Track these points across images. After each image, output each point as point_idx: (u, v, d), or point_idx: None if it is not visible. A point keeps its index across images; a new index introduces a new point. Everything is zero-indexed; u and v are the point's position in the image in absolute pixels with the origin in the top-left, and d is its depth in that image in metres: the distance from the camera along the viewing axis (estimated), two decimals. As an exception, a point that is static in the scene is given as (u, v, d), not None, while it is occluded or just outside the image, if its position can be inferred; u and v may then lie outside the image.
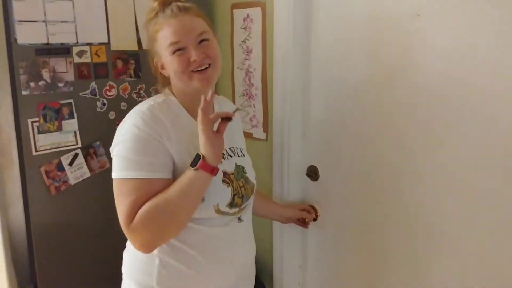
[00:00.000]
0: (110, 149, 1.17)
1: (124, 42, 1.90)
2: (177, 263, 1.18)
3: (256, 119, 2.02)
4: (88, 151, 1.88)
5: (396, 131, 1.47)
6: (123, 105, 1.95)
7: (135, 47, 1.93)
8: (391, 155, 1.49)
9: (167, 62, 1.22)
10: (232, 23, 2.06)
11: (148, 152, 1.10)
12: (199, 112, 1.08)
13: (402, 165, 1.46)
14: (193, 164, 1.09)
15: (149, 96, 2.00)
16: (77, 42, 1.80)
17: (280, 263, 1.97)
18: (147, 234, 1.08)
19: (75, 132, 1.84)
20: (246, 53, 2.02)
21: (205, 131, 1.08)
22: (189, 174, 1.09)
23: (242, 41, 2.03)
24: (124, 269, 1.32)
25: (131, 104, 1.95)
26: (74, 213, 1.89)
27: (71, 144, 1.84)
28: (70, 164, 1.84)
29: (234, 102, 2.13)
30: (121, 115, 1.93)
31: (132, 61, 1.94)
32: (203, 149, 1.10)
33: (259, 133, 2.02)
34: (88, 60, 1.83)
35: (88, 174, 1.89)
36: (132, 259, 1.26)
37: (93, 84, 1.86)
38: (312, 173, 1.83)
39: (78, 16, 1.78)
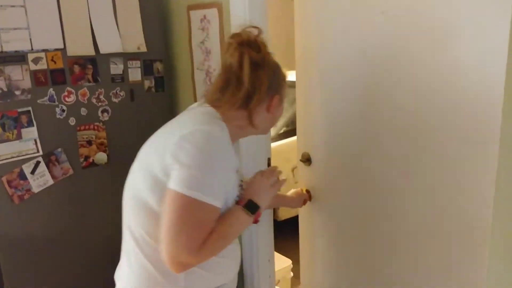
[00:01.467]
0: (184, 163, 1.04)
1: (80, 47, 1.89)
2: (198, 269, 1.16)
3: (218, 118, 2.05)
4: (50, 159, 1.85)
5: (389, 117, 1.49)
6: (83, 111, 1.93)
7: (91, 52, 1.92)
8: (384, 141, 1.52)
9: (272, 111, 1.22)
10: (189, 24, 2.08)
11: (224, 181, 1.09)
12: (274, 169, 1.29)
13: (395, 152, 1.50)
14: (252, 211, 1.16)
15: (109, 100, 1.99)
16: (32, 49, 1.77)
17: (250, 258, 2.01)
18: (202, 260, 1.10)
19: (35, 140, 1.81)
20: (205, 54, 2.05)
21: (275, 187, 1.26)
22: (244, 217, 1.15)
23: (201, 42, 2.05)
24: (136, 283, 1.19)
25: (91, 109, 1.94)
26: (39, 221, 1.86)
27: (32, 152, 1.81)
28: (32, 172, 1.82)
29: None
30: (81, 121, 1.92)
31: (90, 66, 1.92)
32: (264, 202, 1.21)
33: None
34: (45, 66, 1.81)
35: (51, 182, 1.87)
36: (149, 272, 1.16)
37: (51, 91, 1.84)
38: (305, 159, 1.88)
39: (31, 22, 1.75)
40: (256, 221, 1.19)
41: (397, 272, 1.58)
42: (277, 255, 2.43)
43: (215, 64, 2.00)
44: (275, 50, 1.26)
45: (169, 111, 2.22)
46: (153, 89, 2.15)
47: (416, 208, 1.44)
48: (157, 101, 2.17)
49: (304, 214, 1.99)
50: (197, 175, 1.03)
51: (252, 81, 1.13)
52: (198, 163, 1.03)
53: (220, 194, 1.07)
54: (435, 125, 1.33)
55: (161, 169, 1.07)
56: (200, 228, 1.04)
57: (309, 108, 1.79)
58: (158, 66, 2.15)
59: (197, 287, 1.18)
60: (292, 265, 2.64)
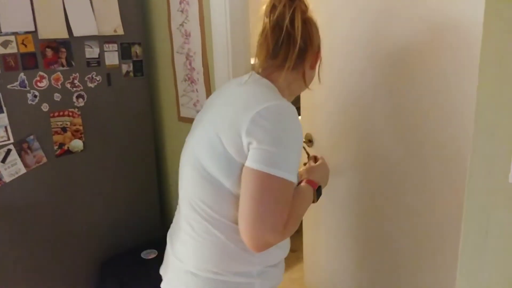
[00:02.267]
0: (262, 140, 0.99)
1: (52, 29, 1.79)
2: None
3: (200, 104, 1.98)
4: (21, 146, 1.78)
5: (390, 106, 1.47)
6: (57, 96, 1.85)
7: (65, 35, 1.82)
8: (385, 127, 1.50)
9: (315, 67, 1.20)
10: (169, 6, 1.99)
11: (299, 155, 1.04)
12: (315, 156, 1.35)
13: (396, 137, 1.48)
14: (318, 197, 1.20)
15: (85, 86, 1.91)
16: (1, 32, 1.67)
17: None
18: (285, 238, 1.06)
19: (5, 127, 1.73)
20: (185, 37, 1.96)
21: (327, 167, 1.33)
22: (309, 195, 1.17)
23: (180, 25, 1.96)
24: (209, 263, 1.10)
25: (65, 95, 1.86)
26: (11, 212, 1.79)
27: (3, 139, 1.73)
28: (3, 161, 1.74)
29: (176, 87, 2.08)
30: (55, 107, 1.84)
31: (63, 49, 1.83)
32: (325, 183, 1.29)
33: (203, 118, 1.98)
34: (15, 50, 1.71)
35: (23, 170, 1.79)
36: (226, 252, 1.09)
37: (22, 76, 1.75)
38: (307, 140, 1.85)
39: (0, 4, 1.66)
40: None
41: (398, 255, 1.56)
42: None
43: (195, 47, 1.92)
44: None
45: (148, 96, 2.14)
46: (131, 74, 2.06)
47: (416, 192, 1.43)
48: (135, 86, 2.09)
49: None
50: (276, 152, 0.98)
51: (304, 37, 1.10)
52: (276, 139, 0.99)
53: (296, 169, 1.04)
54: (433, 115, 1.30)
55: (235, 148, 1.01)
56: (284, 206, 1.00)
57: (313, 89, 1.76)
58: (136, 49, 2.07)
59: (268, 261, 1.14)
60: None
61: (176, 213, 1.23)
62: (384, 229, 1.59)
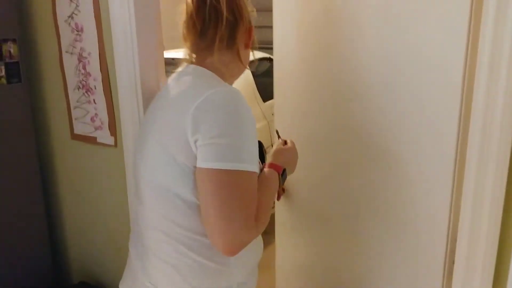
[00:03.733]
0: (209, 134, 0.89)
1: None
2: None
3: (99, 119, 1.55)
4: None
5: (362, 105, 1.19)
6: None
7: None
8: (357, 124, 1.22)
9: (250, 46, 1.10)
10: (52, -9, 1.52)
11: (255, 142, 0.95)
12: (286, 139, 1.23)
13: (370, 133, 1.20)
14: (283, 182, 1.09)
15: None
16: None
17: None
18: (259, 233, 0.97)
19: None
20: (76, 32, 1.51)
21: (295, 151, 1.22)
22: (275, 180, 1.06)
23: (69, 16, 1.51)
24: (190, 285, 1.00)
25: None
26: None
27: None
28: None
29: (67, 97, 1.62)
30: None
31: None
32: (292, 169, 1.18)
33: (104, 137, 1.55)
34: None
35: None
36: (206, 271, 1.00)
37: None
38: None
39: None
40: (278, 197, 1.20)
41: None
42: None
43: (90, 46, 1.48)
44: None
45: (29, 108, 1.66)
46: (3, 79, 1.56)
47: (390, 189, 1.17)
48: (10, 95, 1.59)
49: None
50: (228, 143, 0.89)
51: (231, 9, 1.02)
52: (225, 129, 0.89)
53: (255, 157, 0.94)
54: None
55: (184, 153, 0.91)
56: (251, 200, 0.92)
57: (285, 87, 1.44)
58: (9, 48, 1.57)
59: (246, 268, 1.06)
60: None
61: (134, 225, 1.10)
62: (357, 212, 1.30)
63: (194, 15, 1.02)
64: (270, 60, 4.20)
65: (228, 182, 0.89)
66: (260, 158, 0.99)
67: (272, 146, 3.76)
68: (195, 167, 0.91)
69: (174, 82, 1.05)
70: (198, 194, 0.92)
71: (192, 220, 0.96)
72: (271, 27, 1.41)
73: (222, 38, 1.02)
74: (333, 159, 1.33)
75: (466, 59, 0.98)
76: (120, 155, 1.52)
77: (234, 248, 0.91)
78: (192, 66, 1.05)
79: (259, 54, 4.02)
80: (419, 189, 1.13)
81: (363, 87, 1.18)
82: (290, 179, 1.20)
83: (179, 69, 1.08)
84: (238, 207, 0.89)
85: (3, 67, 1.56)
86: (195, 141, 0.90)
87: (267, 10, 1.52)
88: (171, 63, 1.88)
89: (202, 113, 0.90)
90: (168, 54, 3.87)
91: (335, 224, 1.41)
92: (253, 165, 0.92)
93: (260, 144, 3.52)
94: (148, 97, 1.43)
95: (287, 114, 1.43)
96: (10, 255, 1.67)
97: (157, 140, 0.98)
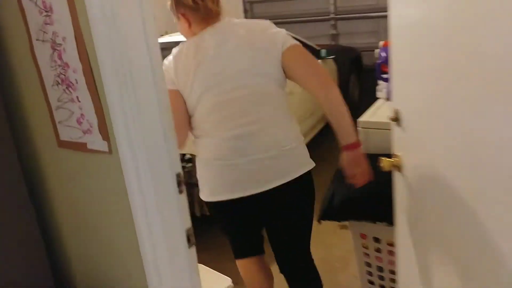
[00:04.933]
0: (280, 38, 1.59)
1: None
2: None
3: (86, 121, 1.23)
4: None
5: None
6: None
7: None
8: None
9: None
10: (9, -38, 1.19)
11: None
12: None
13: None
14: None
15: None
16: None
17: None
18: None
19: None
20: (44, 13, 1.18)
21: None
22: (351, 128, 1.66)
23: (33, -7, 1.18)
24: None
25: None
26: None
27: None
28: None
29: (45, 95, 1.30)
30: None
31: None
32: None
33: (96, 142, 1.24)
34: None
35: None
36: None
37: None
38: (394, 117, 1.49)
39: None
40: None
41: None
42: (207, 274, 1.83)
43: (64, 29, 1.15)
44: None
45: (4, 114, 1.34)
46: (-37, 82, 1.26)
47: None
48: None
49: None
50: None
51: None
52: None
53: None
54: None
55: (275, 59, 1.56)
56: None
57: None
58: (-33, 40, 1.25)
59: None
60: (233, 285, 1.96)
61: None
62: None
63: None
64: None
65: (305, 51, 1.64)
66: None
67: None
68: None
69: (221, 33, 1.61)
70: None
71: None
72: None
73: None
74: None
75: None
76: (116, 163, 1.21)
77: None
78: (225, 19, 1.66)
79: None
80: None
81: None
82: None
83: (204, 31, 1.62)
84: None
85: (-39, 66, 1.25)
86: (278, 44, 1.57)
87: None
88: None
89: (276, 31, 1.62)
90: (171, 38, 3.53)
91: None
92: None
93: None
94: (142, 87, 1.11)
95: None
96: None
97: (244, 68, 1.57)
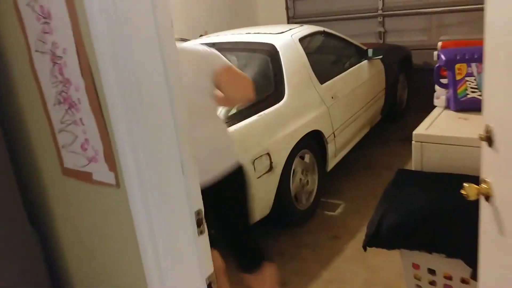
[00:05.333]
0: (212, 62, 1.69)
1: None
2: None
3: (91, 147, 1.04)
4: None
5: None
6: None
7: None
8: None
9: None
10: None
11: None
12: None
13: None
14: None
15: None
16: None
17: None
18: None
19: None
20: (42, 19, 1.00)
21: None
22: None
23: (30, -4, 0.99)
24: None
25: None
26: None
27: None
28: None
29: (47, 115, 1.11)
30: None
31: None
32: None
33: (102, 172, 1.04)
34: None
35: None
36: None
37: None
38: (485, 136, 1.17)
39: None
40: None
41: None
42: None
43: (64, 39, 0.96)
44: None
45: (2, 137, 1.16)
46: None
47: None
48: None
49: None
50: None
51: None
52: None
53: None
54: None
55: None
56: None
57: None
58: (-40, 52, 1.09)
59: None
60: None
61: None
62: None
63: None
64: (324, 34, 3.55)
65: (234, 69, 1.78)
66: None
67: (334, 134, 3.19)
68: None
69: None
70: None
71: None
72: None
73: None
74: None
75: None
76: (124, 199, 1.00)
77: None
78: None
79: (309, 29, 3.39)
80: None
81: None
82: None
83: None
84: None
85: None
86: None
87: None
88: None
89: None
90: (207, 39, 3.36)
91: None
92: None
93: (320, 133, 2.95)
94: (154, 110, 0.90)
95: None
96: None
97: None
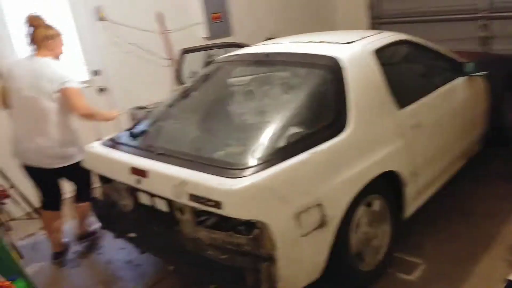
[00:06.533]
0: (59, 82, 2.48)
1: None
2: None
3: None
4: None
5: None
6: None
7: None
8: None
9: None
10: None
11: None
12: None
13: None
14: None
15: None
16: None
17: None
18: None
19: None
20: None
21: None
22: None
23: None
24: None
25: None
26: None
27: None
28: None
29: None
30: None
31: None
32: None
33: None
34: None
35: None
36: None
37: None
38: None
39: None
40: None
41: None
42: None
43: None
44: None
45: None
46: None
47: None
48: None
49: None
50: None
51: None
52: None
53: None
54: None
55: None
56: None
57: None
58: None
59: None
60: None
61: None
62: None
63: None
64: (409, 44, 2.80)
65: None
66: None
67: (415, 173, 2.49)
68: None
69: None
70: None
71: None
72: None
73: None
74: None
75: None
76: None
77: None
78: None
79: (389, 37, 2.66)
80: None
81: None
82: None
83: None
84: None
85: None
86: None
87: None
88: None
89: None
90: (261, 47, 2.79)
91: None
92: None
93: (394, 174, 2.27)
94: None
95: None
96: None
97: None
